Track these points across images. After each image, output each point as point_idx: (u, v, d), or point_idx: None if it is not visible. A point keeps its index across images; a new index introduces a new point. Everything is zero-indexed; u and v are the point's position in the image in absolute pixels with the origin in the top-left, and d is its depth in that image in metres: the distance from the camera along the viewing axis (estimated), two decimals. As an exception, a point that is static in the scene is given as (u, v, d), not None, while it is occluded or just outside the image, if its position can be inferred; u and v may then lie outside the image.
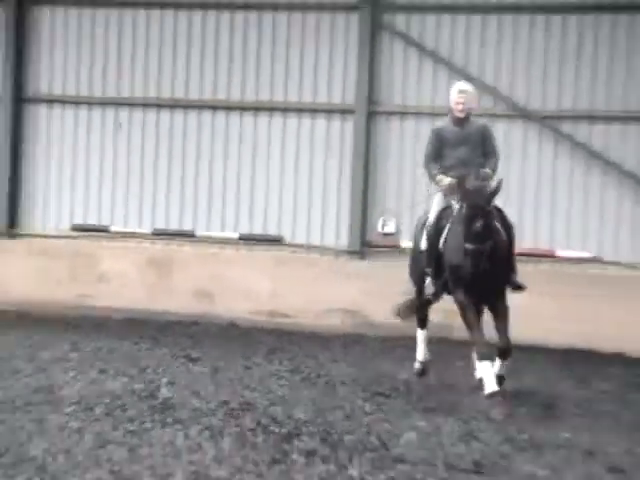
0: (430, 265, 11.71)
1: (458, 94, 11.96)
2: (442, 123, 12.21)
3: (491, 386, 10.76)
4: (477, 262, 10.71)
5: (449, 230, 11.37)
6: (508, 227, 11.64)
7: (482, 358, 11.01)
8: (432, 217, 11.77)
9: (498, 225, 11.29)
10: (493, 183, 11.31)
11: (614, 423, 10.64)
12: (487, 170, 11.61)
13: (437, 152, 11.90)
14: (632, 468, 8.75)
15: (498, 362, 11.22)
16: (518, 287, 11.66)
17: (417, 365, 12.54)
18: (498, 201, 11.44)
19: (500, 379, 11.13)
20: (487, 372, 10.88)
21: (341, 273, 17.47)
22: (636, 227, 16.83)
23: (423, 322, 12.66)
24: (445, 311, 15.37)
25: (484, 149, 11.87)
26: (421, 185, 17.34)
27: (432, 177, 11.92)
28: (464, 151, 11.77)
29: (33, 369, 12.34)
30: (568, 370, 13.73)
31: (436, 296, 12.02)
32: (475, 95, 12.34)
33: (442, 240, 11.47)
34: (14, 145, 19.19)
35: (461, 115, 11.84)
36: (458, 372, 13.05)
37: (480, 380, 11.10)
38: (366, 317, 17.01)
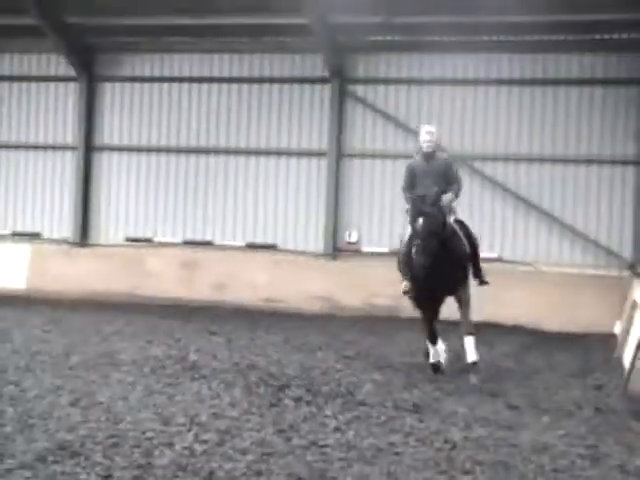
0: (405, 270, 10.47)
1: (425, 133, 10.69)
2: (414, 159, 10.94)
3: (435, 357, 10.54)
4: (425, 256, 9.69)
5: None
6: (470, 236, 10.71)
7: (431, 343, 10.57)
8: (407, 233, 10.47)
9: (457, 231, 10.39)
10: (445, 198, 10.26)
11: (511, 375, 10.74)
12: (448, 194, 10.36)
13: (410, 183, 10.62)
14: (524, 406, 8.85)
15: (467, 339, 10.29)
16: (483, 282, 10.83)
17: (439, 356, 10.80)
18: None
19: (473, 365, 10.21)
20: (433, 352, 10.54)
21: (319, 270, 17.49)
22: (527, 237, 16.96)
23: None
24: (392, 296, 15.51)
25: (447, 179, 10.52)
26: (376, 206, 17.60)
27: (407, 201, 10.45)
28: (430, 182, 10.35)
29: (99, 340, 12.36)
30: (480, 338, 13.83)
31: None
32: (438, 135, 10.91)
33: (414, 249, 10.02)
34: (85, 181, 19.14)
35: (429, 150, 10.56)
36: (403, 341, 13.09)
37: (427, 354, 10.73)
38: (337, 302, 17.04)
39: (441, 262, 9.80)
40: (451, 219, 10.46)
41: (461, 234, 10.49)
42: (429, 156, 10.63)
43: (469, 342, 10.30)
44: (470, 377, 10.06)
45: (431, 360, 10.61)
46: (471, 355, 10.26)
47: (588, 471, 6.59)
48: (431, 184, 10.34)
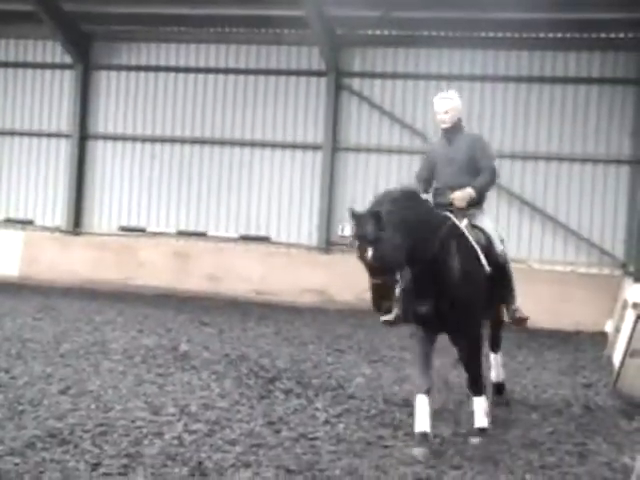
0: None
1: (439, 103, 7.93)
2: (436, 140, 8.53)
3: (421, 425, 6.92)
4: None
5: None
6: (489, 250, 7.44)
7: (417, 391, 7.11)
8: None
9: (470, 246, 7.20)
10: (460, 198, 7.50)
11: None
12: (466, 189, 7.50)
13: (426, 173, 7.95)
14: (514, 402, 8.88)
15: (475, 400, 7.45)
16: (518, 321, 7.78)
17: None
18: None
19: (480, 431, 7.34)
20: (421, 407, 6.98)
21: (312, 263, 17.49)
22: (520, 234, 16.98)
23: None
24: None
25: (475, 165, 7.74)
26: (370, 201, 17.57)
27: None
28: (450, 171, 7.72)
29: (91, 328, 12.37)
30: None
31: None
32: (458, 103, 8.01)
33: None
34: (79, 170, 19.10)
35: (446, 126, 7.87)
36: (394, 336, 13.10)
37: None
38: (329, 295, 17.04)
39: (430, 289, 6.93)
40: (463, 224, 7.40)
41: (477, 248, 7.28)
42: (450, 134, 7.93)
43: (478, 404, 7.45)
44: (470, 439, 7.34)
45: (421, 427, 6.97)
46: (479, 420, 7.41)
47: (576, 468, 6.63)
48: (449, 175, 7.76)
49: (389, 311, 6.85)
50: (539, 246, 16.91)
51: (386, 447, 6.91)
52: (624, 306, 12.21)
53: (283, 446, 6.76)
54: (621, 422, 8.26)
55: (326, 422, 7.61)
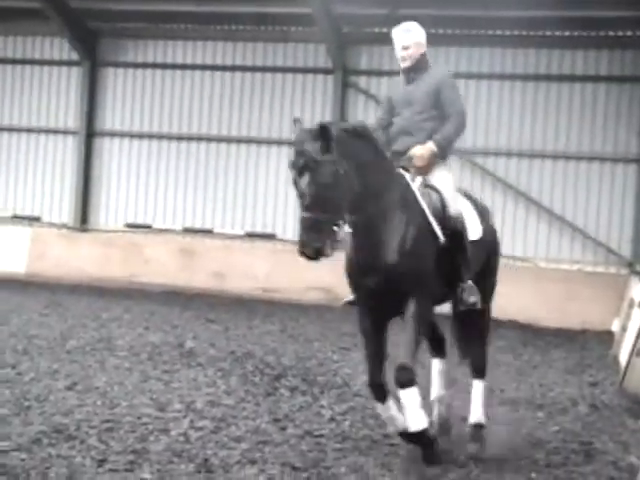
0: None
1: (397, 38, 6.66)
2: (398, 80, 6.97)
3: (415, 423, 6.09)
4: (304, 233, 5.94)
5: None
6: (444, 215, 6.26)
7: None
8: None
9: (417, 208, 6.14)
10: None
11: (507, 370, 10.73)
12: (427, 144, 6.37)
13: (385, 118, 6.80)
14: (520, 401, 8.87)
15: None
16: (466, 302, 6.43)
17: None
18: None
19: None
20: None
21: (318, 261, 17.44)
22: (526, 233, 16.95)
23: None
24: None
25: (440, 108, 6.50)
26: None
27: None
28: (408, 114, 6.57)
29: (97, 325, 12.37)
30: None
31: None
32: (420, 38, 6.66)
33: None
34: (86, 167, 19.13)
35: (406, 64, 6.65)
36: (395, 332, 13.07)
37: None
38: (335, 293, 16.97)
39: (370, 258, 6.14)
40: (416, 184, 6.37)
41: (428, 213, 6.19)
42: (412, 74, 6.72)
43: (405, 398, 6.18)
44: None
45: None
46: (415, 421, 6.16)
47: (582, 467, 6.61)
48: (406, 119, 6.62)
49: (319, 254, 5.97)
50: (545, 245, 16.89)
51: (391, 445, 6.90)
52: (630, 305, 12.20)
53: (289, 443, 6.76)
54: (628, 421, 8.25)
55: (331, 420, 7.60)
